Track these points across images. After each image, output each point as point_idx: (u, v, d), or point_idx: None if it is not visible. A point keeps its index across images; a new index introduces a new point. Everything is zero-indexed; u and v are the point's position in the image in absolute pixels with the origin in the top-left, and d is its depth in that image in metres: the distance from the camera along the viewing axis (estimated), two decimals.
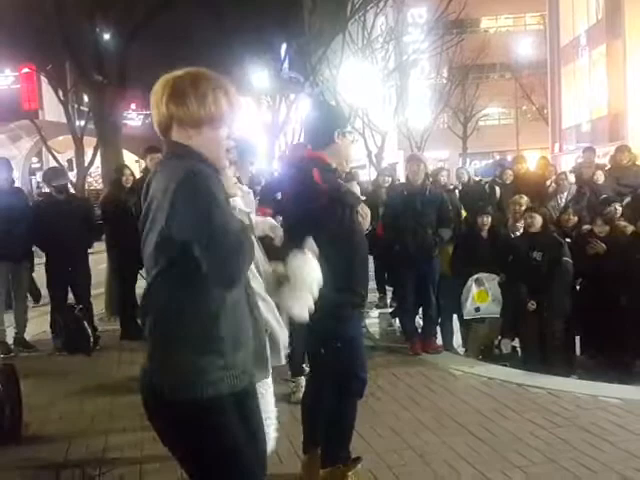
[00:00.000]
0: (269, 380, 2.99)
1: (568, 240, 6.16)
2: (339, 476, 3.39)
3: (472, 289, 6.13)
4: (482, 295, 6.12)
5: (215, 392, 1.91)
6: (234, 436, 1.97)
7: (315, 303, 2.63)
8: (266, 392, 2.93)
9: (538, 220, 5.89)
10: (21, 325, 6.56)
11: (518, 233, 6.34)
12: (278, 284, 2.52)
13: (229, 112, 1.98)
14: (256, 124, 22.74)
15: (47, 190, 7.17)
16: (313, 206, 3.14)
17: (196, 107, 1.92)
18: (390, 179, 8.52)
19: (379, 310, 7.95)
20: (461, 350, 6.53)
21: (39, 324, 7.10)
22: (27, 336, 6.65)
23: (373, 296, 8.22)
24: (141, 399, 2.06)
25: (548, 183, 8.22)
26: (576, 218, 6.60)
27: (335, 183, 3.25)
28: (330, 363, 3.28)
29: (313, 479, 3.41)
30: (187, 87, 1.93)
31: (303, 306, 2.48)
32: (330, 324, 3.14)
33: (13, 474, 3.74)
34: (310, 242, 2.55)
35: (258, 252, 2.70)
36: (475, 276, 6.12)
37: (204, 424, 1.93)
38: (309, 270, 2.54)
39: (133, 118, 45.62)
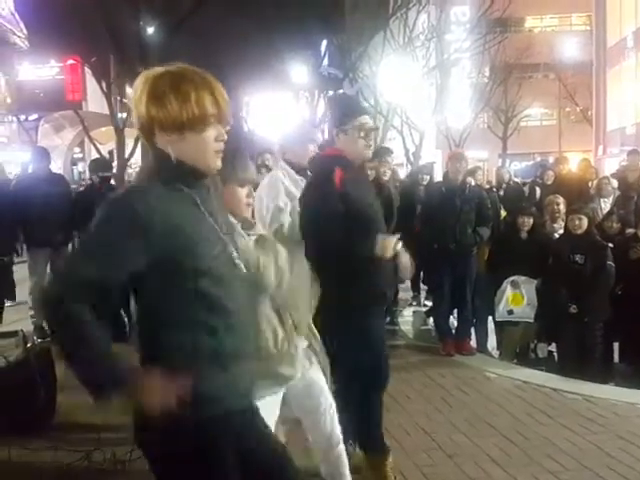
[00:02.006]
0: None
1: (610, 244, 6.00)
2: (378, 465, 3.41)
3: (507, 291, 6.02)
4: (517, 298, 6.00)
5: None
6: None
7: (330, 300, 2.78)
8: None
9: (585, 222, 5.74)
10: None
11: (556, 234, 6.21)
12: None
13: (215, 113, 1.79)
14: (294, 119, 22.78)
15: (90, 180, 7.27)
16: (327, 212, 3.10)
17: (177, 109, 1.75)
18: (428, 177, 8.42)
19: (413, 309, 7.88)
20: (495, 353, 6.43)
21: None
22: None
23: (407, 294, 8.17)
24: None
25: (590, 185, 8.04)
26: (619, 225, 6.42)
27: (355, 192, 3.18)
28: (349, 360, 3.25)
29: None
30: (167, 87, 1.76)
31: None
32: (346, 321, 3.15)
33: (46, 454, 3.80)
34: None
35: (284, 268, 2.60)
36: (511, 278, 6.01)
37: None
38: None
39: None
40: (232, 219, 2.47)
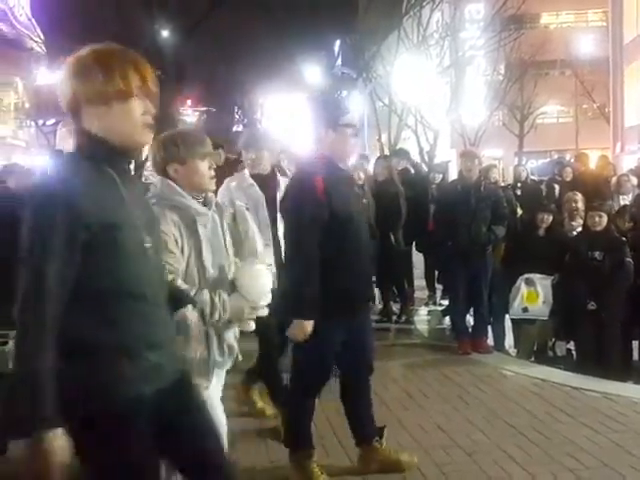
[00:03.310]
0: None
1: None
2: (378, 449, 3.48)
3: (522, 288, 5.97)
4: (532, 296, 5.96)
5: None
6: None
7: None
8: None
9: (605, 220, 5.70)
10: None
11: (574, 232, 6.16)
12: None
13: (141, 86, 1.83)
14: (308, 120, 22.79)
15: None
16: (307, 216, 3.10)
17: (102, 81, 1.78)
18: (441, 176, 8.41)
19: (429, 308, 7.87)
20: (512, 351, 6.39)
21: None
22: None
23: (423, 294, 8.16)
24: None
25: (610, 182, 7.97)
26: (632, 224, 6.35)
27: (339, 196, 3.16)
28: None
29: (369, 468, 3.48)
30: (92, 62, 1.80)
31: (244, 318, 2.54)
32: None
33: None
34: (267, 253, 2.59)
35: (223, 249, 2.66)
36: (525, 276, 5.97)
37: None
38: (255, 282, 2.58)
39: (189, 114, 46.44)
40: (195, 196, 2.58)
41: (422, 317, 7.47)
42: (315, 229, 3.09)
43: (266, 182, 4.15)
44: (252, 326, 2.66)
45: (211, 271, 2.55)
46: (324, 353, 3.27)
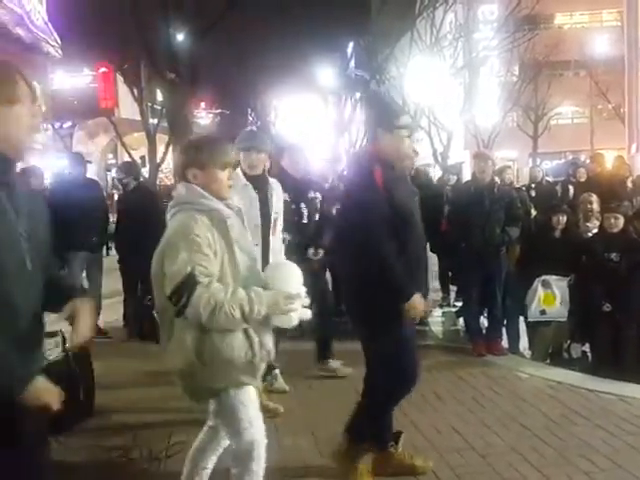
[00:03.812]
0: None
1: None
2: (393, 454, 3.48)
3: (538, 291, 5.96)
4: (548, 298, 5.94)
5: None
6: None
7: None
8: None
9: (622, 221, 5.67)
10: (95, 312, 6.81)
11: (589, 233, 6.14)
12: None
13: (27, 91, 1.89)
14: (322, 122, 22.84)
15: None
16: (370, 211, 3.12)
17: None
18: (456, 177, 8.40)
19: (443, 309, 7.86)
20: (527, 353, 6.37)
21: (112, 312, 7.37)
22: (101, 323, 6.91)
23: (437, 295, 8.15)
24: None
25: (626, 183, 7.93)
26: None
27: (395, 191, 3.20)
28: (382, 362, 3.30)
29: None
30: None
31: (281, 308, 2.56)
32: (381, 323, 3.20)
33: (84, 453, 3.90)
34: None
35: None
36: (542, 278, 5.95)
37: None
38: (286, 280, 2.61)
39: (203, 117, 46.63)
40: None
41: (436, 319, 7.46)
42: (382, 221, 3.10)
43: (258, 183, 4.24)
44: (294, 320, 2.67)
45: (243, 271, 2.58)
46: (409, 349, 3.33)
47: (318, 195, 5.24)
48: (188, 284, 2.41)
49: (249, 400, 2.64)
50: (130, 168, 7.36)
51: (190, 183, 2.61)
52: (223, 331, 2.51)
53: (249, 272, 2.62)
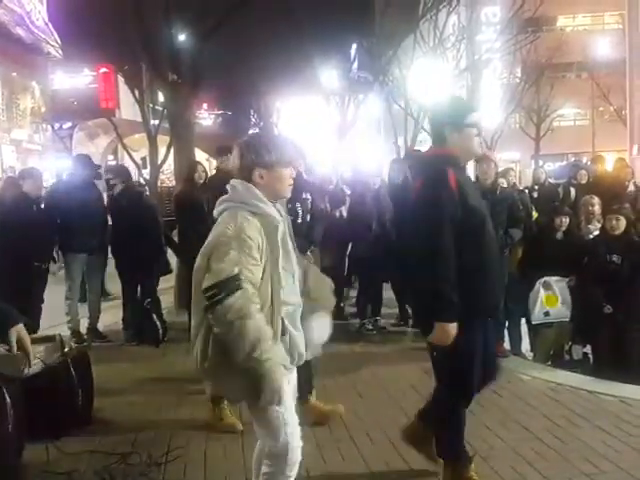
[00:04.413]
0: None
1: None
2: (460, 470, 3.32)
3: (540, 293, 5.95)
4: (551, 299, 5.93)
5: None
6: None
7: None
8: None
9: (623, 223, 5.65)
10: (94, 316, 6.81)
11: (591, 235, 6.12)
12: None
13: None
14: (324, 123, 22.86)
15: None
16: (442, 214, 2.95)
17: None
18: None
19: None
20: (529, 355, 6.35)
21: (112, 316, 7.37)
22: (100, 327, 6.91)
23: None
24: None
25: (628, 186, 7.91)
26: None
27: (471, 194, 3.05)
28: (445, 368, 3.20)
29: None
30: None
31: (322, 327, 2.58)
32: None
33: (84, 456, 3.88)
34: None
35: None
36: (543, 279, 5.94)
37: None
38: (327, 297, 2.65)
39: (205, 117, 46.67)
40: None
41: None
42: (450, 225, 2.94)
43: None
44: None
45: (284, 281, 2.54)
46: (475, 354, 3.12)
47: (309, 196, 5.23)
48: (231, 284, 2.36)
49: (285, 403, 2.57)
50: (119, 170, 7.37)
51: (250, 183, 2.55)
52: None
53: (289, 283, 2.58)
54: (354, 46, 26.07)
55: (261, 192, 2.54)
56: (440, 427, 3.32)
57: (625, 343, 5.49)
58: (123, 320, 6.82)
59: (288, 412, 2.59)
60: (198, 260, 2.51)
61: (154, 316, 6.56)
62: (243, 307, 2.36)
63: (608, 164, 9.27)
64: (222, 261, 2.39)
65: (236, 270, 2.36)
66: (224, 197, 2.60)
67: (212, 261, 2.42)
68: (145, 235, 6.51)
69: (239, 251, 2.39)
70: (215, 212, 2.62)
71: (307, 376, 3.41)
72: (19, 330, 2.36)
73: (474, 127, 3.10)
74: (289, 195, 2.66)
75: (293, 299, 2.61)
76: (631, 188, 7.79)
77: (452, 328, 2.98)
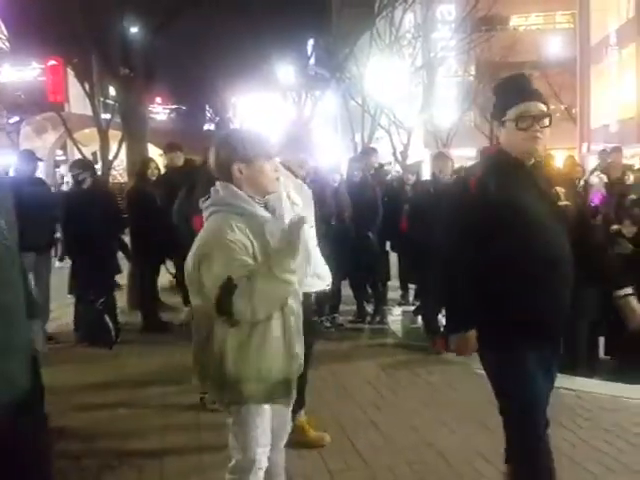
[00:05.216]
0: None
1: None
2: None
3: None
4: None
5: None
6: None
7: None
8: None
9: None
10: (43, 317, 6.60)
11: None
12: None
13: None
14: (281, 119, 22.77)
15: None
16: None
17: None
18: (415, 177, 8.45)
19: (401, 307, 7.89)
20: None
21: (62, 316, 7.17)
22: (49, 328, 6.71)
23: (396, 294, 8.19)
24: None
25: (578, 184, 8.07)
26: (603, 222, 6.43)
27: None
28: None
29: None
30: None
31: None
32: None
33: None
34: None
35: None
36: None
37: None
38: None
39: (158, 112, 46.01)
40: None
41: (395, 317, 7.49)
42: (465, 233, 2.64)
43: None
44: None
45: None
46: (527, 387, 2.63)
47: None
48: (228, 290, 2.30)
49: (262, 420, 2.53)
50: (86, 164, 7.14)
51: (230, 182, 2.46)
52: (263, 343, 2.43)
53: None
54: (311, 42, 26.03)
55: (246, 189, 2.45)
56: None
57: (577, 338, 5.59)
58: (74, 320, 6.64)
59: (264, 434, 2.54)
60: (187, 268, 2.45)
61: (106, 317, 6.41)
62: (246, 296, 2.30)
63: (558, 162, 9.46)
64: (211, 276, 2.33)
65: (226, 276, 2.31)
66: (208, 201, 2.50)
67: (203, 277, 2.37)
68: (111, 232, 6.38)
69: (224, 257, 2.32)
70: (204, 217, 2.53)
71: (300, 387, 3.20)
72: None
73: (517, 120, 2.61)
74: (277, 190, 2.57)
75: (294, 305, 2.54)
76: (581, 185, 7.96)
77: (458, 340, 2.71)
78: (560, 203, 2.59)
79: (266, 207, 2.52)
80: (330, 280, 3.87)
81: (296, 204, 3.59)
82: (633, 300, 2.76)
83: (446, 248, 2.77)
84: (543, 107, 2.65)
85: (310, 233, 3.67)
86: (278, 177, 2.55)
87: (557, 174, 2.71)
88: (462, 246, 2.65)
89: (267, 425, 2.57)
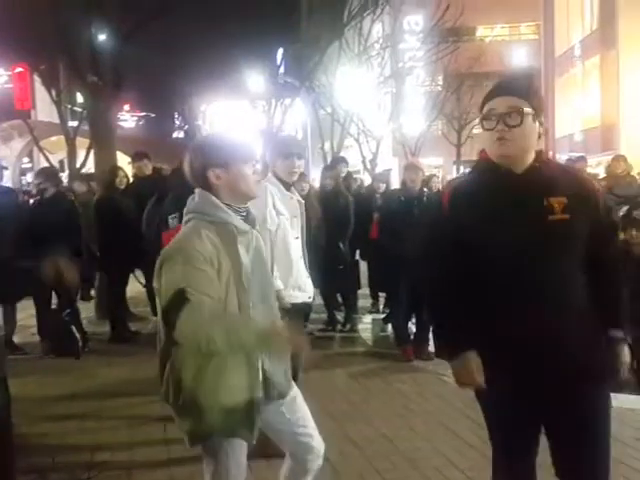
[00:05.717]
0: None
1: None
2: None
3: None
4: None
5: None
6: None
7: None
8: None
9: None
10: (9, 328, 6.48)
11: None
12: None
13: None
14: (251, 128, 22.76)
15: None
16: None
17: None
18: (385, 185, 8.52)
19: (372, 316, 7.93)
20: None
21: (29, 327, 7.04)
22: (15, 339, 6.58)
23: (366, 302, 8.22)
24: None
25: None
26: None
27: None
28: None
29: None
30: None
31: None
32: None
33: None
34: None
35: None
36: None
37: None
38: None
39: (127, 119, 45.57)
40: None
41: (366, 325, 7.52)
42: (438, 249, 2.37)
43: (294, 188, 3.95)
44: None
45: (254, 297, 2.32)
46: (492, 419, 2.49)
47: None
48: (178, 301, 2.14)
49: (235, 454, 2.35)
50: (51, 174, 7.02)
51: (208, 190, 2.33)
52: (223, 366, 2.24)
53: (264, 299, 2.37)
54: (280, 51, 26.06)
55: (225, 196, 2.33)
56: None
57: None
58: (39, 331, 6.51)
59: (236, 464, 2.38)
60: (154, 278, 2.34)
61: (73, 327, 6.29)
62: (195, 319, 2.13)
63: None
64: (167, 280, 2.21)
65: (182, 285, 2.15)
66: (185, 209, 2.39)
67: (162, 278, 2.24)
68: (72, 243, 6.27)
69: (184, 264, 2.18)
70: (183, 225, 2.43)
71: None
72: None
73: (484, 120, 2.25)
74: (257, 195, 2.45)
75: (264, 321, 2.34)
76: None
77: (458, 369, 2.42)
78: (552, 218, 2.19)
79: (247, 217, 2.40)
80: (312, 293, 3.84)
81: (281, 214, 3.61)
82: None
83: (420, 266, 2.55)
84: (515, 102, 2.20)
85: (296, 244, 3.69)
86: (258, 180, 2.46)
87: (565, 182, 2.24)
88: (435, 264, 2.40)
89: (243, 460, 2.40)
